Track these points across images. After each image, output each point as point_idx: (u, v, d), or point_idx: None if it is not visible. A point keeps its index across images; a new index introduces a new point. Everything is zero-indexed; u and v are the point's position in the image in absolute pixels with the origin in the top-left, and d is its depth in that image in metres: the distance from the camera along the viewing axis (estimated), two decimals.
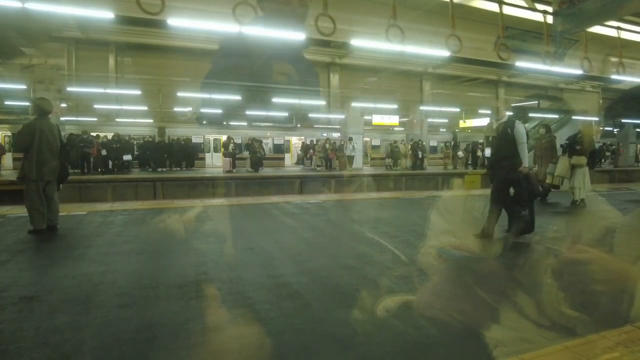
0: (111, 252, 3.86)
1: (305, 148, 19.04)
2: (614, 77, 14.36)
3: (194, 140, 17.79)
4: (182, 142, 16.53)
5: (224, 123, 19.51)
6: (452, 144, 18.83)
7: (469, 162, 18.83)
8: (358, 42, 11.16)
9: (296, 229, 5.14)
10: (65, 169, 4.81)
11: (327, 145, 16.61)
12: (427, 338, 2.10)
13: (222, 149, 15.98)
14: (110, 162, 13.62)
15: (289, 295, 2.75)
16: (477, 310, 1.06)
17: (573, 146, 7.30)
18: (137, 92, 15.76)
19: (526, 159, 4.42)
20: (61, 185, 4.78)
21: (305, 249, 4.09)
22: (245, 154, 15.71)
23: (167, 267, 3.42)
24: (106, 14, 7.87)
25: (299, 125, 21.94)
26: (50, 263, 3.60)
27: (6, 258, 3.61)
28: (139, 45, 15.04)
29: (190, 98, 16.85)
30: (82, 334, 2.17)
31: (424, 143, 18.51)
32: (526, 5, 11.75)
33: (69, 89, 15.17)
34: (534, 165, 7.97)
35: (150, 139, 15.93)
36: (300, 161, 19.64)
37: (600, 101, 22.10)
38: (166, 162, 15.50)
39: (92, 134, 13.62)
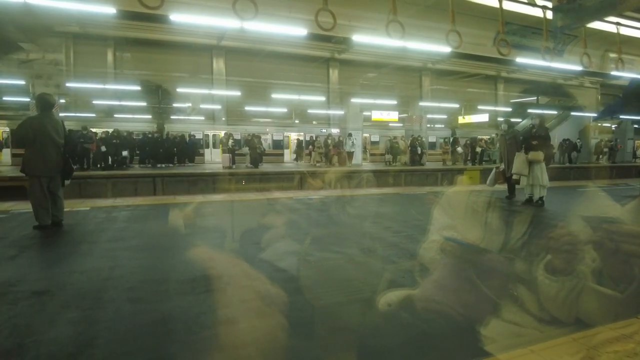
0: (117, 247, 3.89)
1: (300, 145, 18.94)
2: (613, 73, 14.42)
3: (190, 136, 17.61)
4: (177, 139, 16.29)
5: None
6: (451, 139, 18.88)
7: (469, 158, 18.89)
8: (358, 38, 11.16)
9: (300, 224, 5.17)
10: (69, 165, 4.81)
11: (329, 141, 16.60)
12: (434, 329, 2.14)
13: (221, 145, 15.96)
14: (109, 158, 13.60)
15: (297, 290, 2.78)
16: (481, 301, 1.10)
17: (529, 141, 6.78)
18: (137, 87, 15.68)
19: None
20: (66, 182, 4.78)
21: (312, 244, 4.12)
22: (245, 149, 15.70)
23: (175, 262, 3.45)
24: (107, 9, 7.83)
25: None
26: (58, 258, 3.63)
27: (14, 253, 3.63)
28: (138, 40, 14.98)
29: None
30: (95, 327, 2.21)
31: (423, 139, 18.54)
32: (526, 1, 11.76)
33: (67, 84, 15.09)
34: (501, 163, 7.49)
35: (150, 135, 15.88)
36: (297, 158, 19.48)
37: (599, 97, 22.16)
38: (166, 158, 15.40)
39: (92, 129, 13.58)
